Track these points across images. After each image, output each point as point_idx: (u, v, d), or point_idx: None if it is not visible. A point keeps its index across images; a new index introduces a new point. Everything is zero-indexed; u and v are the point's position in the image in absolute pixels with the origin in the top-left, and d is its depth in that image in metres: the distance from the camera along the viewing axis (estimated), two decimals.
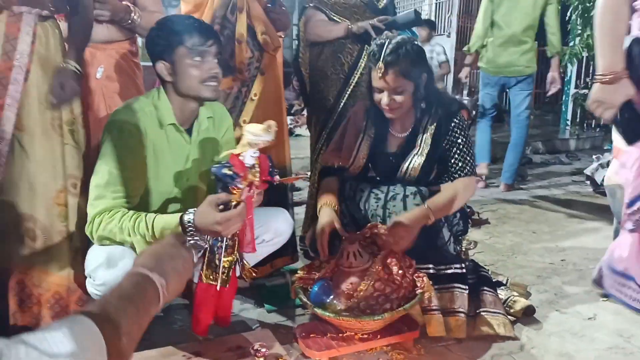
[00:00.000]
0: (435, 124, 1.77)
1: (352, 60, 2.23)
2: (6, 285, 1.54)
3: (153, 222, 1.36)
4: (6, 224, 1.51)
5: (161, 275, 0.84)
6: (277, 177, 1.41)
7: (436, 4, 7.86)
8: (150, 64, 1.54)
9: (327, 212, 1.72)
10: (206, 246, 1.38)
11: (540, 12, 3.58)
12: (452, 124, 1.76)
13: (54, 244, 1.55)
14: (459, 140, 1.76)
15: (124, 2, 1.85)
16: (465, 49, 4.11)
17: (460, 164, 1.76)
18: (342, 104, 2.24)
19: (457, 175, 1.75)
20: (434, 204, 1.69)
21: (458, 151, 1.76)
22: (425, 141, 1.77)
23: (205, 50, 1.47)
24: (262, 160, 1.38)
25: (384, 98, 1.69)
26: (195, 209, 1.34)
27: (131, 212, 1.39)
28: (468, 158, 1.77)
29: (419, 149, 1.77)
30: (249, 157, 1.34)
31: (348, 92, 2.24)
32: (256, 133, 1.32)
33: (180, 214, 1.36)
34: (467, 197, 1.78)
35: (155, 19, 1.58)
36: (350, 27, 2.18)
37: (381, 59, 1.64)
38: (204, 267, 1.41)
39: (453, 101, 1.86)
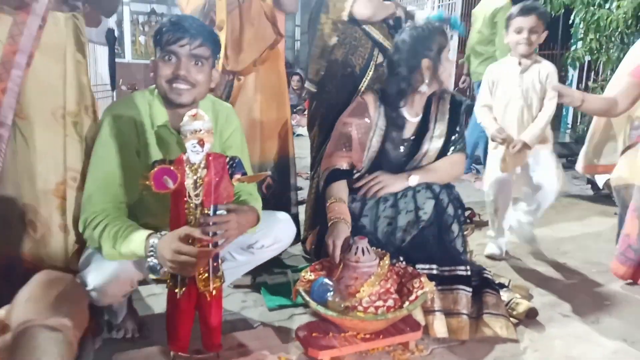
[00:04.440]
0: (448, 107, 1.89)
1: (367, 53, 2.15)
2: (17, 275, 1.51)
3: (122, 240, 1.31)
4: (10, 213, 1.49)
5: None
6: (236, 176, 1.34)
7: (439, 5, 7.85)
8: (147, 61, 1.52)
9: (343, 229, 1.63)
10: (164, 269, 1.30)
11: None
12: (464, 107, 1.90)
13: (54, 238, 1.52)
14: (462, 122, 1.92)
15: None
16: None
17: (457, 140, 1.90)
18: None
19: (451, 149, 1.89)
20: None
21: (460, 131, 1.91)
22: (441, 123, 1.87)
23: (175, 50, 1.40)
24: (215, 158, 1.31)
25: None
26: (164, 232, 1.29)
27: (111, 222, 1.35)
28: (464, 136, 1.94)
29: (433, 132, 1.86)
30: (191, 152, 1.27)
31: (363, 87, 2.15)
32: (181, 123, 1.28)
33: (148, 233, 1.31)
34: (455, 173, 1.91)
35: None
36: (397, 9, 2.14)
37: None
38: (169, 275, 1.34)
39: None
